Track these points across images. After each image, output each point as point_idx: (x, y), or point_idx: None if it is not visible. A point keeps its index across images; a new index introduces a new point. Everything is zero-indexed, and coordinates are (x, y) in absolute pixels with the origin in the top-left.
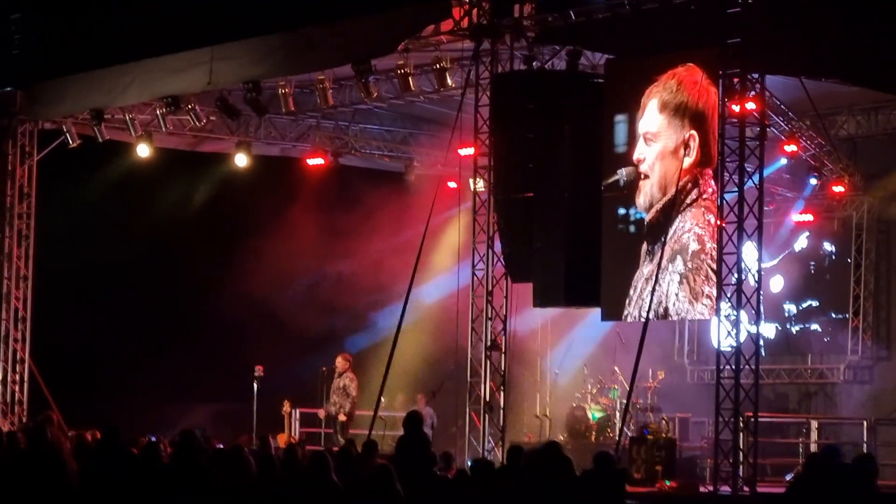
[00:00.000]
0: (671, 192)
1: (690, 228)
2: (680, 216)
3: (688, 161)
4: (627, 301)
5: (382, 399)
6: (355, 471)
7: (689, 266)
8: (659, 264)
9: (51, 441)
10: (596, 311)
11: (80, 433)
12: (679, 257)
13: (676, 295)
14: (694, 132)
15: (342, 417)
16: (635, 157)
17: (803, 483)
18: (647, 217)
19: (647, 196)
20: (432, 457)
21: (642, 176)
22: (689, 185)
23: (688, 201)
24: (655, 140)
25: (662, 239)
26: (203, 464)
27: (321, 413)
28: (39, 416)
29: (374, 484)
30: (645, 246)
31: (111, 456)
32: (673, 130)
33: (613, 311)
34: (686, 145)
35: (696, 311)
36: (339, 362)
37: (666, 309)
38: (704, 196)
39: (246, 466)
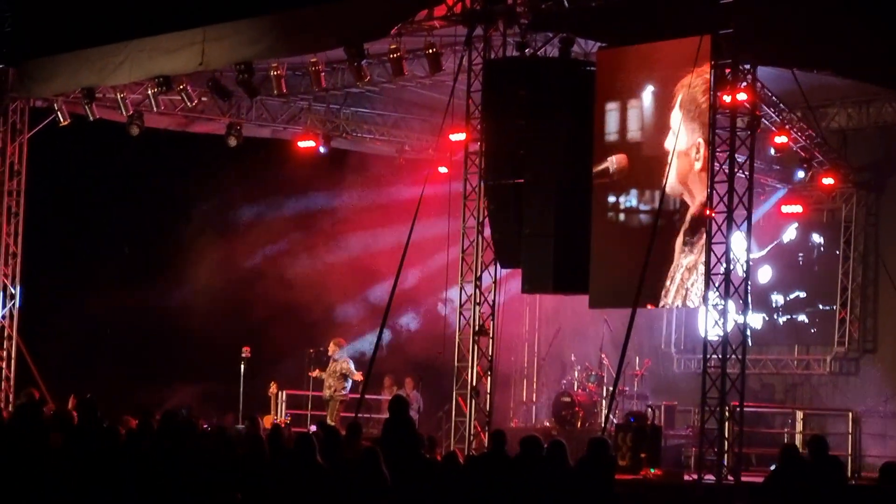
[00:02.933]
0: (685, 190)
1: None
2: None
3: (697, 165)
4: (664, 291)
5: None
6: (340, 453)
7: None
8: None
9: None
10: (584, 298)
11: (65, 409)
12: None
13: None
14: (702, 140)
15: (359, 376)
16: (666, 144)
17: (780, 474)
18: (693, 209)
19: (671, 185)
20: (419, 439)
21: (668, 163)
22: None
23: None
24: (675, 134)
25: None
26: (187, 444)
27: (313, 374)
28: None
29: (361, 466)
30: (682, 238)
31: (89, 430)
32: (688, 130)
33: (601, 299)
34: (696, 149)
35: None
36: (332, 347)
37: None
38: None
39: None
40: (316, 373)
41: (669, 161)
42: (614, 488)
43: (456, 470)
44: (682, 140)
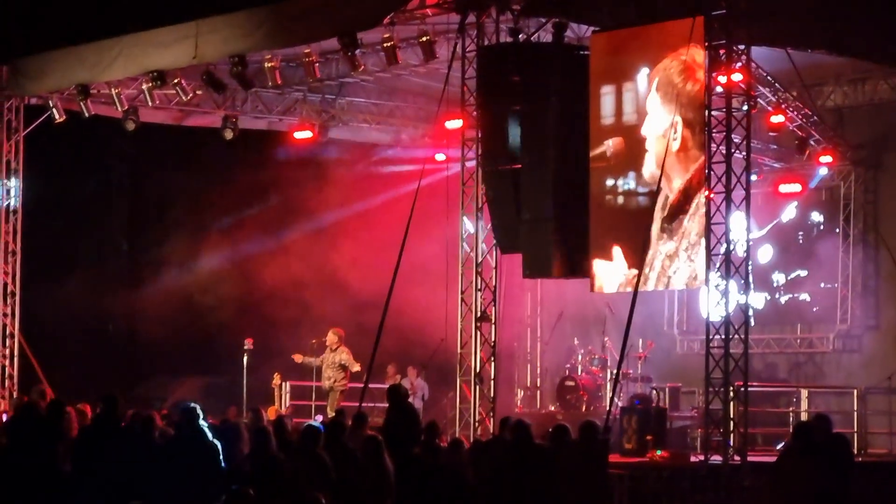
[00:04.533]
0: (662, 175)
1: None
2: (696, 199)
3: (675, 145)
4: (643, 279)
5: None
6: (346, 443)
7: None
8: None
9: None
10: (585, 282)
11: (79, 408)
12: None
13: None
14: (680, 119)
15: (358, 367)
16: (643, 131)
17: (792, 451)
18: (671, 197)
19: (649, 170)
20: (422, 427)
21: (646, 149)
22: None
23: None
24: (651, 117)
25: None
26: (208, 438)
27: (297, 358)
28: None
29: (363, 455)
30: (659, 224)
31: (110, 427)
32: (665, 112)
33: (602, 282)
34: (674, 129)
35: None
36: (331, 337)
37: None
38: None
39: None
40: (300, 357)
41: (647, 146)
42: (606, 469)
43: (461, 456)
44: (660, 123)
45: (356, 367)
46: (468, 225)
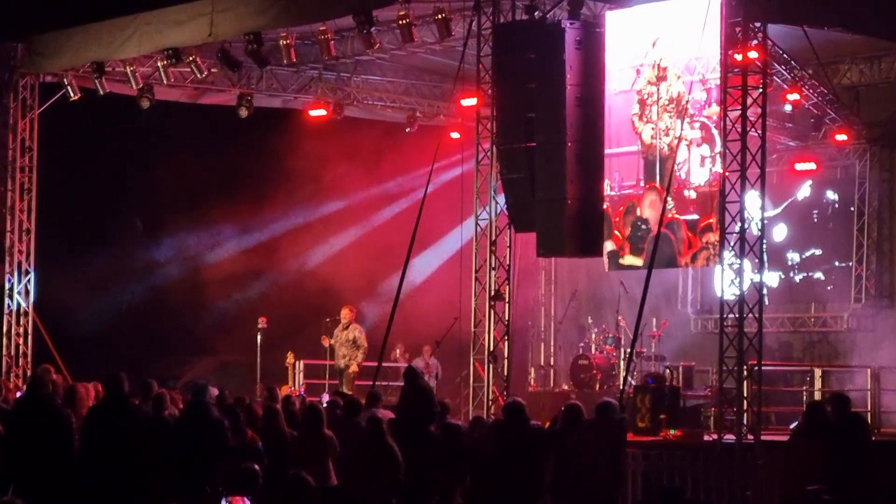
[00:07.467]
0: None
1: None
2: None
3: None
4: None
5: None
6: (359, 422)
7: None
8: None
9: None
10: (599, 261)
11: (85, 385)
12: None
13: None
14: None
15: (354, 368)
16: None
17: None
18: None
19: None
20: (438, 406)
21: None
22: None
23: None
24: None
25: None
26: (215, 416)
27: (325, 341)
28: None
29: (365, 435)
30: None
31: (114, 406)
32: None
33: (616, 261)
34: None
35: None
36: (345, 313)
37: None
38: None
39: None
40: (328, 341)
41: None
42: (623, 448)
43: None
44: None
45: (364, 345)
46: (482, 203)
